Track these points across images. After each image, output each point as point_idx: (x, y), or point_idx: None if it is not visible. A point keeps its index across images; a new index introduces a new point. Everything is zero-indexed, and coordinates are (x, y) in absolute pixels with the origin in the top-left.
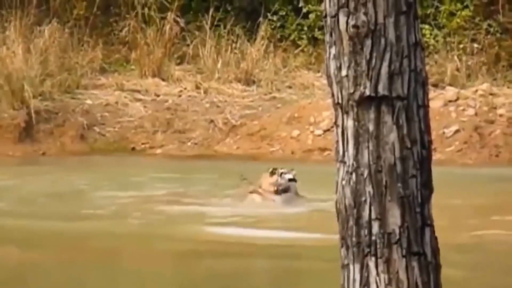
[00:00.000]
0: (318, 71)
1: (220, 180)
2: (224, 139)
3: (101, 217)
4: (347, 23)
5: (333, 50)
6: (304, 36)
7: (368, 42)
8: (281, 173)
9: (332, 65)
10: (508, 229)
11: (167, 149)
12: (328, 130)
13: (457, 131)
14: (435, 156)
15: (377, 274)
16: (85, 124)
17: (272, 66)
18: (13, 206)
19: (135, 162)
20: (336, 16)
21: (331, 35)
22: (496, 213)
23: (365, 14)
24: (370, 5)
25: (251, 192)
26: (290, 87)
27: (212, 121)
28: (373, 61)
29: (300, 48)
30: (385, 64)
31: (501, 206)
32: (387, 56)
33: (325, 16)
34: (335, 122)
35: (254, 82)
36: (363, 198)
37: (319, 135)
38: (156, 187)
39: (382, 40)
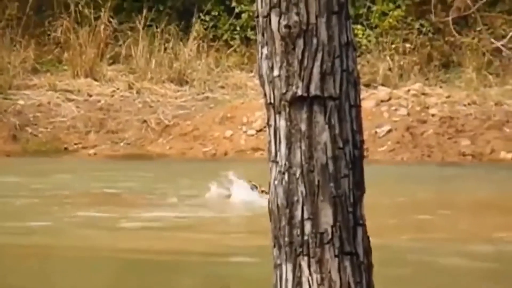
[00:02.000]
0: (251, 71)
1: (154, 181)
2: (157, 139)
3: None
4: (279, 23)
5: (265, 50)
6: (237, 36)
7: (300, 42)
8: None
9: (264, 65)
10: (421, 231)
11: (99, 149)
12: (261, 130)
13: (389, 131)
14: (368, 156)
15: (310, 274)
16: (17, 124)
17: (205, 66)
18: None
19: (66, 162)
20: (268, 16)
21: (263, 35)
22: (415, 212)
23: (297, 14)
24: (302, 5)
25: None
26: (223, 87)
27: (145, 121)
28: (305, 61)
29: (232, 48)
30: (317, 64)
31: (420, 205)
32: (319, 56)
33: (257, 16)
34: (268, 122)
35: (187, 82)
36: (296, 198)
37: (252, 135)
38: (82, 187)
39: (314, 40)
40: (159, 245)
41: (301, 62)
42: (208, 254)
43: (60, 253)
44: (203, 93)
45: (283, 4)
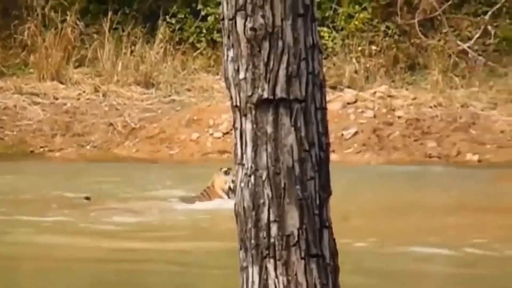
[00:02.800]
0: (217, 74)
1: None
2: (123, 142)
3: None
4: (244, 25)
5: (231, 53)
6: (203, 39)
7: (266, 45)
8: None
9: (230, 68)
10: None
11: (66, 153)
12: (228, 132)
13: (356, 133)
14: (334, 158)
15: (276, 276)
16: None
17: (171, 69)
18: None
19: (31, 166)
20: (233, 18)
21: (228, 37)
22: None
23: (263, 16)
24: (267, 8)
25: (201, 193)
26: (189, 90)
27: (111, 124)
28: (271, 63)
29: (199, 51)
30: (283, 67)
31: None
32: (285, 58)
33: (223, 19)
34: (234, 125)
35: (153, 85)
36: (262, 201)
37: (218, 138)
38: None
39: (280, 43)
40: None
41: (267, 64)
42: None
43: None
44: (170, 95)
45: (249, 7)
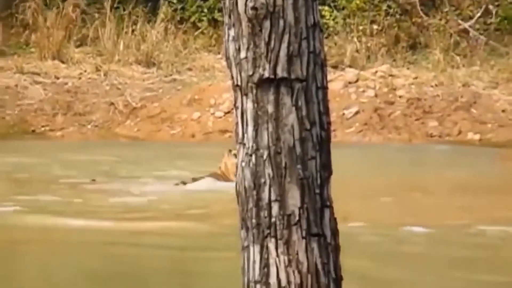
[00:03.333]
0: (218, 53)
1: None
2: (124, 121)
3: None
4: (245, 5)
5: (232, 32)
6: (204, 18)
7: (267, 24)
8: None
9: (231, 47)
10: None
11: (67, 132)
12: (229, 112)
13: (357, 112)
14: (335, 138)
15: (277, 255)
16: None
17: (172, 48)
18: None
19: (33, 145)
20: None
21: (229, 17)
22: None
23: None
24: None
25: (210, 175)
26: (190, 69)
27: (112, 103)
28: (272, 43)
29: (200, 30)
30: (284, 46)
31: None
32: (286, 38)
33: None
34: (235, 104)
35: (154, 64)
36: (263, 180)
37: (220, 117)
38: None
39: (281, 22)
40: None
41: (267, 44)
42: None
43: None
44: (171, 75)
45: None
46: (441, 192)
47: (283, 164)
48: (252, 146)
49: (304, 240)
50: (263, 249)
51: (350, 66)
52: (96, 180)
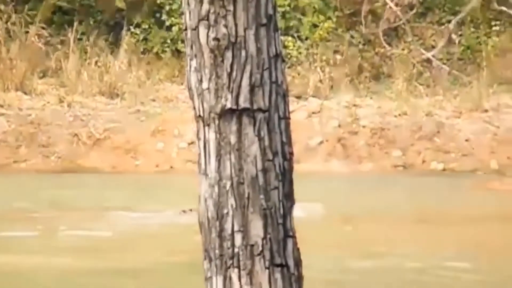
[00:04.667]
0: (182, 84)
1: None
2: (88, 152)
3: None
4: (207, 35)
5: (194, 63)
6: (168, 49)
7: (229, 55)
8: None
9: (193, 78)
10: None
11: (31, 164)
12: (193, 142)
13: (321, 142)
14: (300, 167)
15: (240, 286)
16: None
17: (135, 79)
18: None
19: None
20: (196, 28)
21: (191, 47)
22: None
23: (226, 26)
24: (230, 17)
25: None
26: (154, 100)
27: (76, 134)
28: (234, 73)
29: (163, 61)
30: (246, 77)
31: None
32: (248, 68)
33: (186, 29)
34: (197, 135)
35: (118, 95)
36: (226, 211)
37: (184, 148)
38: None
39: (243, 53)
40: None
41: (230, 74)
42: None
43: None
44: (134, 106)
45: (212, 17)
46: (394, 221)
47: (246, 195)
48: (215, 177)
49: (267, 271)
50: (226, 280)
51: (313, 96)
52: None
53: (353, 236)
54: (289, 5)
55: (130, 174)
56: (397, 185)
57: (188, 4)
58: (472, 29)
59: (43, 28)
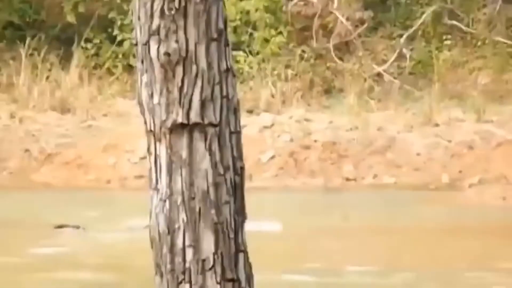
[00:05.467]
0: (134, 99)
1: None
2: (39, 168)
3: None
4: (158, 50)
5: (144, 78)
6: (119, 64)
7: (180, 70)
8: None
9: (144, 93)
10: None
11: None
12: (145, 157)
13: (273, 157)
14: (252, 183)
15: None
16: None
17: (87, 94)
18: None
19: None
20: (147, 43)
21: (142, 62)
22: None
23: (176, 41)
24: (181, 32)
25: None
26: (105, 115)
27: (27, 150)
28: (185, 88)
29: (115, 76)
30: (197, 91)
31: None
32: (199, 83)
33: (136, 44)
34: (148, 150)
35: (69, 110)
36: (177, 225)
37: (136, 163)
38: None
39: (194, 67)
40: None
41: (180, 89)
42: None
43: None
44: (86, 121)
45: (162, 32)
46: (347, 235)
47: (197, 209)
48: (166, 192)
49: (218, 286)
50: None
51: (265, 111)
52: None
53: (294, 251)
54: (240, 19)
55: (81, 190)
56: (348, 199)
57: (139, 19)
58: (424, 44)
59: None
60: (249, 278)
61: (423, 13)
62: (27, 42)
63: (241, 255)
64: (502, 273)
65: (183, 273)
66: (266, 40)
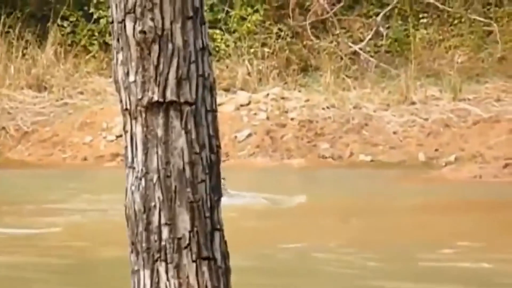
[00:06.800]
0: (110, 77)
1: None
2: (15, 146)
3: None
4: (134, 28)
5: (120, 56)
6: (95, 42)
7: (156, 48)
8: None
9: (120, 71)
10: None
11: None
12: (121, 135)
13: (249, 135)
14: (228, 161)
15: (167, 279)
16: None
17: (63, 72)
18: None
19: None
20: (123, 21)
21: (118, 40)
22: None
23: (152, 19)
24: (157, 10)
25: None
26: (82, 93)
27: (3, 128)
28: (161, 66)
29: (91, 54)
30: (173, 70)
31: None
32: (175, 61)
33: (112, 22)
34: (124, 128)
35: (45, 88)
36: (153, 204)
37: (112, 141)
38: None
39: (170, 46)
40: None
41: (156, 67)
42: None
43: None
44: (62, 99)
45: (138, 10)
46: (322, 214)
47: (173, 188)
48: (142, 170)
49: (194, 264)
50: (154, 273)
51: (242, 89)
52: None
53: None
54: None
55: (57, 168)
56: (324, 177)
57: None
58: (400, 22)
59: None
60: (225, 256)
61: None
62: (2, 19)
63: (216, 234)
64: (461, 249)
65: (159, 251)
66: (243, 18)
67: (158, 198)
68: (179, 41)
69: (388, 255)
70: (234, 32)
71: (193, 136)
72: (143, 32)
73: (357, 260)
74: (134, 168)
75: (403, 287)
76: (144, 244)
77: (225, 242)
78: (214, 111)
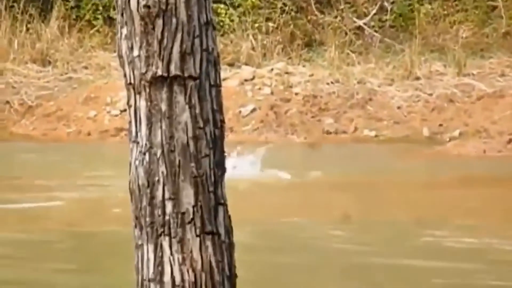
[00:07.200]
0: (114, 51)
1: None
2: (20, 120)
3: None
4: (138, 3)
5: (124, 30)
6: (100, 16)
7: (160, 22)
8: None
9: (124, 45)
10: None
11: None
12: (125, 110)
13: (253, 110)
14: (232, 135)
15: (171, 253)
16: None
17: (67, 47)
18: None
19: None
20: None
21: (122, 15)
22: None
23: None
24: None
25: None
26: (86, 68)
27: (8, 102)
28: (165, 41)
29: (95, 28)
30: (177, 44)
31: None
32: (179, 36)
33: None
34: (128, 103)
35: (50, 62)
36: (157, 178)
37: (116, 115)
38: None
39: (174, 20)
40: None
41: (160, 42)
42: None
43: None
44: (66, 73)
45: None
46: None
47: (177, 162)
48: (146, 144)
49: (198, 238)
50: (157, 247)
51: (246, 64)
52: None
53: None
54: None
55: (61, 142)
56: (328, 152)
57: None
58: None
59: None
60: (229, 231)
61: None
62: None
63: (220, 208)
64: (465, 225)
65: (163, 226)
66: None
67: (162, 172)
68: (183, 15)
69: (390, 232)
70: (238, 6)
71: (197, 110)
72: (147, 6)
73: (357, 236)
74: (138, 142)
75: (405, 264)
76: (148, 219)
77: (229, 217)
78: (218, 85)
